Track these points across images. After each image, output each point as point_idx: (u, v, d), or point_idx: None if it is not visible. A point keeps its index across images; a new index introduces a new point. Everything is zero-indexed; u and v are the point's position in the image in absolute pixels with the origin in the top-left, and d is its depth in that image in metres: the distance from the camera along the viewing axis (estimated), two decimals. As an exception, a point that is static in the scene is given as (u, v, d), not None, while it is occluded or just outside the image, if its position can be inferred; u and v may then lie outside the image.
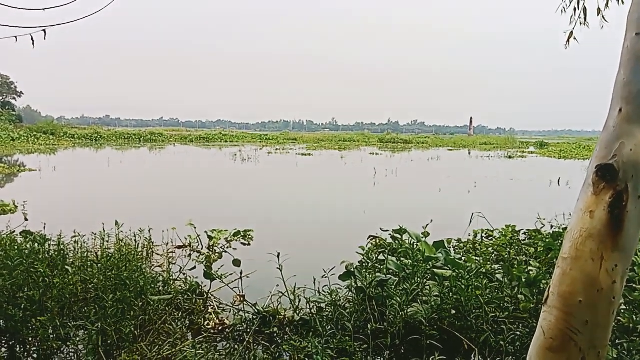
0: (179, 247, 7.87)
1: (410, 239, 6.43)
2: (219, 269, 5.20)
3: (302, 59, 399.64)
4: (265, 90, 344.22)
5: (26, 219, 9.12)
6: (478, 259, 6.02)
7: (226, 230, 8.66)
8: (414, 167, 27.24)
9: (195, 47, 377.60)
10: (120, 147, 43.66)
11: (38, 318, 3.95)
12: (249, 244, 8.51)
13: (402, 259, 5.47)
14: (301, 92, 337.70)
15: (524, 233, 8.23)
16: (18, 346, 4.16)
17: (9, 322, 4.03)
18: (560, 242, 6.56)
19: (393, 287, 4.44)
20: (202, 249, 7.89)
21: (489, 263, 5.86)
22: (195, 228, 8.03)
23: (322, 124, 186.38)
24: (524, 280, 4.49)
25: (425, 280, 4.63)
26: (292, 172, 23.61)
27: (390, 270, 4.96)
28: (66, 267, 4.95)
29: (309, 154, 36.67)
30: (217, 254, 7.59)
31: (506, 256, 6.52)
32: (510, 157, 36.26)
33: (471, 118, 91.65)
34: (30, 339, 4.10)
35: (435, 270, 4.74)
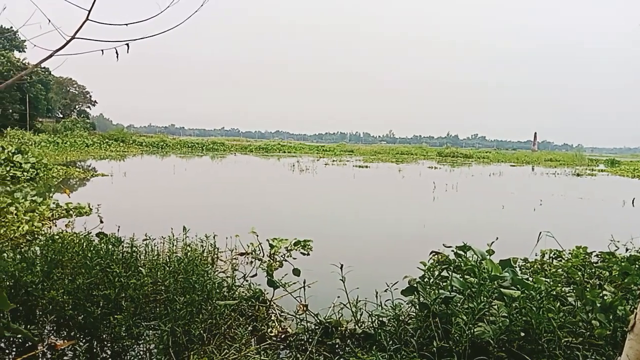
0: (241, 254, 8.07)
1: (474, 256, 6.26)
2: (281, 277, 5.28)
3: (361, 75, 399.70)
4: (323, 102, 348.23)
5: (101, 221, 9.69)
6: (547, 280, 5.77)
7: (286, 240, 8.79)
8: (475, 182, 26.46)
9: (256, 64, 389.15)
10: (184, 155, 45.54)
11: (115, 316, 4.17)
12: (308, 254, 8.58)
13: (466, 276, 5.33)
14: (358, 105, 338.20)
15: (597, 255, 7.80)
16: (95, 342, 4.40)
17: (87, 318, 4.27)
18: (638, 266, 6.18)
19: (458, 305, 4.34)
20: (263, 256, 8.05)
21: (559, 285, 5.59)
22: (257, 236, 8.21)
23: (379, 136, 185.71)
24: (598, 305, 4.25)
25: (491, 300, 4.49)
26: (349, 184, 23.61)
27: (454, 288, 4.84)
28: (139, 268, 5.21)
29: (366, 166, 36.58)
30: (277, 263, 7.72)
31: (578, 279, 6.20)
32: (578, 174, 34.47)
33: (535, 133, 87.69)
34: (105, 335, 4.33)
35: (502, 289, 4.58)
